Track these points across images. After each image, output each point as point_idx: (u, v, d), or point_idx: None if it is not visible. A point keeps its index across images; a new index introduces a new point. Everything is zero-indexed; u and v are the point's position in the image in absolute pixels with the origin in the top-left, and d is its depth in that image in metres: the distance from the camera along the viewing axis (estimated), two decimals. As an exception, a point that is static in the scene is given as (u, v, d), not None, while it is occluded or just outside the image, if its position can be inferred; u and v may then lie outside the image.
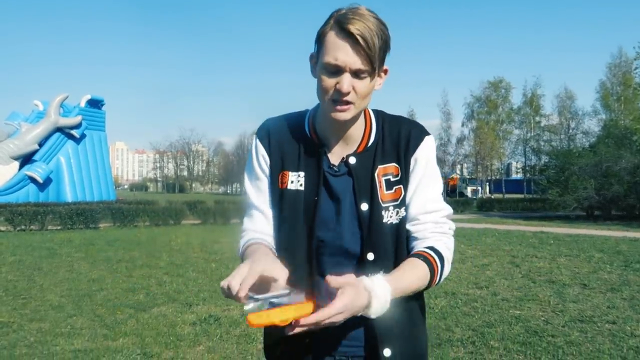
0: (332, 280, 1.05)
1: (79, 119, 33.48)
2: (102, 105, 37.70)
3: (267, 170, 1.37)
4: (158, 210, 19.67)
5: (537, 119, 53.89)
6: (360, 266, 1.27)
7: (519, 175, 79.04)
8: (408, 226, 1.33)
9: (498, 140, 54.47)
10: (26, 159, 31.08)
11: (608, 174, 22.81)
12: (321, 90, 1.23)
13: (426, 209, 1.32)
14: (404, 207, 1.31)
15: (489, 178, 62.39)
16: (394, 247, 1.31)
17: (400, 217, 1.31)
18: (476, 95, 56.29)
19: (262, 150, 1.37)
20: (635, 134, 26.37)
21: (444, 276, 1.30)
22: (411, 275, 1.23)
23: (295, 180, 1.33)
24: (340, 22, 1.18)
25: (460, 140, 58.24)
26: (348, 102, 1.21)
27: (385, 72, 1.31)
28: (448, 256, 1.31)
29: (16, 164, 30.46)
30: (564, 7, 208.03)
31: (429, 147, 1.34)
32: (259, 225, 1.37)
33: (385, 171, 1.32)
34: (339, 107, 1.22)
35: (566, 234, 15.70)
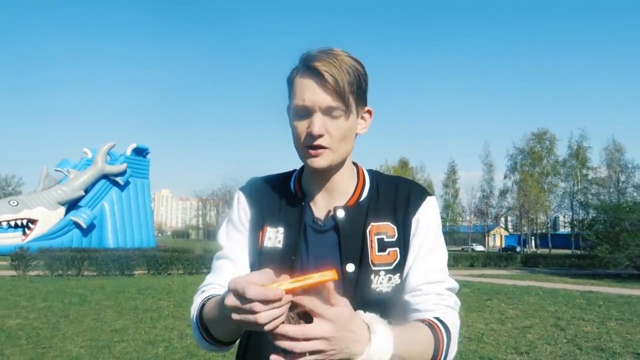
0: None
1: (124, 166, 34.63)
2: (147, 153, 38.97)
3: (246, 224, 1.22)
4: (192, 259, 19.67)
5: (584, 171, 52.43)
6: None
7: (566, 230, 76.25)
8: (407, 297, 1.12)
9: (543, 193, 53.08)
10: (72, 205, 32.11)
11: (662, 231, 21.59)
12: (295, 137, 1.12)
13: (428, 279, 1.11)
14: (398, 275, 1.12)
15: (534, 232, 60.37)
16: (384, 319, 1.04)
17: (393, 285, 1.11)
18: (519, 147, 55.48)
19: (243, 204, 1.24)
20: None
21: (449, 356, 1.03)
22: (415, 335, 0.99)
23: (274, 237, 1.18)
24: (305, 62, 1.10)
25: (503, 193, 57.06)
26: (322, 147, 1.08)
27: (370, 113, 1.19)
28: (454, 333, 1.06)
29: (62, 209, 31.49)
30: (612, 58, 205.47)
31: (432, 208, 1.18)
32: (228, 276, 1.11)
33: (379, 230, 1.14)
34: (312, 152, 1.09)
35: (617, 295, 14.69)
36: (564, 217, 71.16)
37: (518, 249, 55.96)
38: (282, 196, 1.23)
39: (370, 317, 0.92)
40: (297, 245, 1.15)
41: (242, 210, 1.24)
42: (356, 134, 1.17)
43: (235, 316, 0.84)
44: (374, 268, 1.11)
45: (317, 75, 1.06)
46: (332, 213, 1.17)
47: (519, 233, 62.14)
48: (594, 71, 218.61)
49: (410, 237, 1.15)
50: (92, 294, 11.96)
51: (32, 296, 11.18)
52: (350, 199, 1.18)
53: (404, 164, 65.70)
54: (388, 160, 62.91)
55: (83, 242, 31.24)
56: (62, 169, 34.41)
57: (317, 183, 1.19)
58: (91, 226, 32.41)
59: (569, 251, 47.85)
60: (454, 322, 1.08)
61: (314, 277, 0.84)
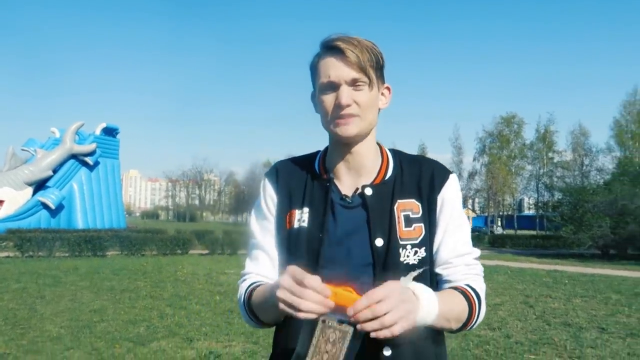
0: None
1: (93, 146, 33.90)
2: (117, 133, 38.21)
3: (273, 211, 1.29)
4: (166, 240, 19.56)
5: (550, 155, 53.71)
6: None
7: (531, 212, 78.30)
8: (438, 270, 1.24)
9: (510, 176, 54.19)
10: (40, 185, 31.36)
11: (624, 212, 22.43)
12: (323, 112, 1.20)
13: (457, 252, 1.23)
14: (423, 248, 1.20)
15: (500, 213, 61.81)
16: None
17: (419, 258, 1.19)
18: (488, 130, 56.38)
19: (270, 190, 1.31)
20: (650, 172, 26.02)
21: (480, 318, 1.20)
22: (453, 298, 1.14)
23: (301, 218, 1.24)
24: (325, 44, 1.19)
25: (471, 175, 58.10)
26: (351, 115, 1.16)
27: (389, 90, 1.28)
28: (483, 296, 1.22)
29: (30, 189, 30.75)
30: (579, 44, 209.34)
31: (455, 186, 1.27)
32: (263, 268, 1.28)
33: (405, 207, 1.22)
34: (341, 121, 1.17)
35: (581, 274, 15.30)
36: (529, 199, 73.04)
37: (499, 229, 57.04)
38: (307, 177, 1.29)
39: (413, 284, 1.03)
40: (324, 223, 1.20)
41: (268, 197, 1.30)
42: (379, 110, 1.25)
43: (281, 294, 0.96)
44: (401, 242, 1.18)
45: (339, 52, 1.15)
46: (359, 191, 1.23)
47: (486, 214, 63.44)
48: (563, 55, 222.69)
49: (437, 214, 1.23)
50: (66, 275, 11.84)
51: (3, 277, 11.01)
52: (377, 177, 1.25)
53: (375, 146, 66.10)
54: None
55: (51, 222, 30.61)
56: (28, 149, 33.48)
57: (343, 161, 1.25)
58: (60, 207, 31.74)
59: (534, 232, 49.21)
60: (482, 287, 1.23)
61: (352, 297, 0.95)
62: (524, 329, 6.99)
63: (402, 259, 1.17)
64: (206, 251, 20.54)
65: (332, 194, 1.24)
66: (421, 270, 1.12)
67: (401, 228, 1.20)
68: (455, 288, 1.18)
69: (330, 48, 1.17)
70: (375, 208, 1.21)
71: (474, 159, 57.96)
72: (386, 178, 1.25)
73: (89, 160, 33.76)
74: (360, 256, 1.18)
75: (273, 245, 1.28)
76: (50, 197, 30.56)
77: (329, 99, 1.17)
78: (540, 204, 53.99)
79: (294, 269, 0.97)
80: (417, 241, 1.20)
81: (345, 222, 1.21)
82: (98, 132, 35.93)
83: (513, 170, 55.11)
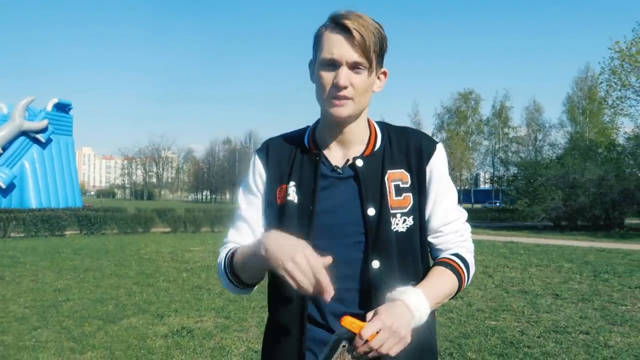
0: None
1: (44, 123, 32.65)
2: (70, 109, 36.88)
3: (261, 187, 1.34)
4: (127, 218, 19.25)
5: (506, 130, 55.11)
6: (365, 275, 1.22)
7: (487, 186, 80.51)
8: (430, 239, 1.31)
9: (467, 151, 55.41)
10: (-12, 164, 30.08)
11: (574, 185, 23.38)
12: (320, 88, 1.22)
13: (446, 220, 1.30)
14: (411, 217, 1.26)
15: (458, 188, 63.36)
16: (401, 257, 1.24)
17: (407, 226, 1.25)
18: (446, 106, 57.27)
19: (259, 166, 1.34)
20: (599, 147, 27.14)
21: (469, 280, 1.30)
22: (442, 282, 1.23)
23: (292, 192, 1.28)
24: (335, 19, 1.20)
25: (430, 151, 59.09)
26: (346, 97, 1.19)
27: (385, 74, 1.30)
28: (471, 260, 1.32)
29: (-22, 168, 29.44)
30: (535, 20, 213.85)
31: (442, 156, 1.32)
32: (245, 239, 1.31)
33: (394, 176, 1.27)
34: (336, 102, 1.19)
35: (535, 244, 15.98)
36: (484, 173, 74.95)
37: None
38: (296, 152, 1.32)
39: (398, 292, 1.14)
40: (314, 196, 1.24)
41: (257, 174, 1.34)
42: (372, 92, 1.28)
43: (295, 272, 1.03)
44: (392, 211, 1.23)
45: (346, 31, 1.17)
46: (350, 162, 1.27)
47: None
48: (519, 31, 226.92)
49: (427, 184, 1.29)
50: (24, 255, 11.52)
51: (-43, 259, 10.64)
52: (366, 149, 1.28)
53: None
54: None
55: (2, 202, 29.51)
56: (-26, 125, 31.99)
57: (333, 135, 1.28)
58: (11, 186, 30.58)
59: (490, 205, 50.70)
60: (469, 249, 1.33)
61: (358, 324, 1.06)
62: (484, 297, 7.31)
63: (392, 227, 1.23)
64: (168, 229, 20.31)
65: (322, 166, 1.28)
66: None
67: (392, 197, 1.25)
68: (443, 262, 1.27)
69: (339, 24, 1.18)
70: (367, 178, 1.25)
71: (432, 135, 58.87)
72: (375, 149, 1.29)
73: (40, 137, 32.52)
74: (353, 225, 1.23)
75: (257, 218, 1.33)
76: (0, 176, 29.41)
77: (327, 76, 1.19)
78: (495, 179, 55.62)
79: (310, 255, 1.05)
80: (405, 210, 1.25)
81: (337, 193, 1.26)
82: (49, 108, 34.56)
83: (470, 145, 56.35)
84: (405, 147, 1.29)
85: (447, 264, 1.26)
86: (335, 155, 1.29)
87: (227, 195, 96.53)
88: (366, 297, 1.22)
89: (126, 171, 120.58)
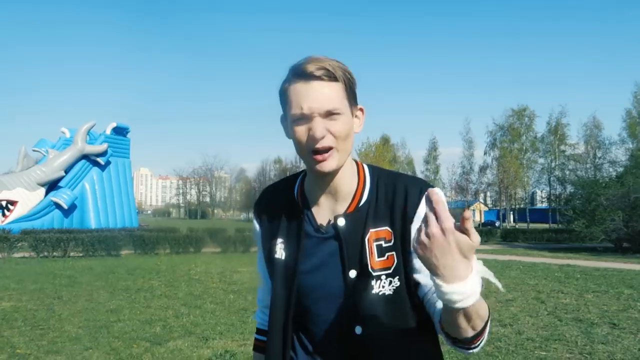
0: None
1: (104, 146, 34.21)
2: (127, 132, 38.51)
3: (260, 242, 1.36)
4: (179, 238, 19.74)
5: (562, 147, 53.32)
6: (347, 341, 1.18)
7: (544, 205, 77.79)
8: (431, 296, 1.14)
9: (522, 169, 53.92)
10: (52, 185, 31.73)
11: (636, 205, 22.25)
12: (297, 144, 1.15)
13: None
14: (397, 277, 1.17)
15: (513, 207, 61.51)
16: (388, 321, 1.17)
17: (394, 287, 1.17)
18: (499, 123, 56.09)
19: (255, 223, 1.37)
20: (663, 164, 25.74)
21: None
22: (482, 303, 1.02)
23: (280, 249, 1.27)
24: (295, 70, 1.14)
25: (483, 169, 57.84)
26: (329, 148, 1.12)
27: (362, 111, 1.23)
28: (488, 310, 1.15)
29: (42, 190, 31.10)
30: (591, 36, 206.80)
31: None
32: (263, 295, 1.43)
33: (378, 235, 1.19)
34: (319, 157, 1.12)
35: (594, 268, 15.24)
36: (541, 192, 72.58)
37: (497, 223, 57.04)
38: (285, 206, 1.30)
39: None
40: (297, 255, 1.22)
41: (255, 230, 1.37)
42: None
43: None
44: (374, 274, 1.16)
45: (310, 80, 1.11)
46: (332, 222, 1.22)
47: (498, 208, 63.16)
48: (575, 48, 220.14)
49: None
50: (81, 275, 12.02)
51: (20, 278, 11.20)
52: (351, 204, 1.22)
53: (385, 140, 65.85)
54: (370, 137, 62.74)
55: (64, 223, 30.98)
56: (40, 149, 33.87)
57: (320, 187, 1.23)
58: (72, 207, 32.11)
59: (546, 225, 48.91)
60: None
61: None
62: (535, 325, 7.03)
63: (375, 290, 1.16)
64: (219, 249, 20.71)
65: (306, 225, 1.24)
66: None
67: (374, 259, 1.18)
68: None
69: (301, 75, 1.12)
70: (348, 239, 1.20)
71: (485, 153, 57.73)
72: (360, 204, 1.22)
73: (100, 160, 34.11)
74: (335, 287, 1.19)
75: (266, 274, 1.36)
76: (62, 197, 30.92)
77: (302, 130, 1.12)
78: (552, 197, 53.69)
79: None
80: (390, 270, 1.17)
81: (320, 253, 1.22)
82: (109, 131, 36.25)
83: (524, 163, 54.82)
84: (391, 200, 1.21)
85: None
86: (322, 210, 1.25)
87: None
88: None
89: (181, 191, 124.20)
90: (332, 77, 1.11)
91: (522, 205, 64.01)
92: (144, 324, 6.93)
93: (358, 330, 1.16)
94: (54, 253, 16.75)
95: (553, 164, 53.28)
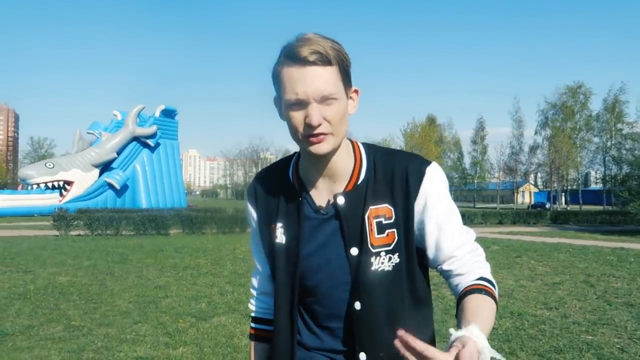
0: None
1: (154, 128, 35.17)
2: (176, 115, 39.42)
3: (256, 227, 1.35)
4: (225, 218, 20.16)
5: (619, 126, 50.95)
6: (349, 316, 1.21)
7: (598, 186, 74.90)
8: (445, 266, 1.22)
9: (575, 149, 51.94)
10: (105, 167, 32.97)
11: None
12: (292, 129, 1.13)
13: (457, 243, 1.21)
14: (397, 254, 1.19)
15: (564, 188, 59.51)
16: (386, 296, 1.19)
17: (393, 264, 1.19)
18: (551, 102, 54.07)
19: (250, 209, 1.35)
20: None
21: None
22: (489, 313, 1.12)
23: (280, 234, 1.27)
24: (288, 53, 1.10)
25: (533, 149, 56.12)
26: (323, 133, 1.11)
27: (356, 92, 1.20)
28: (492, 277, 1.22)
29: (96, 171, 32.39)
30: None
31: (435, 179, 1.21)
32: (259, 282, 1.41)
33: (377, 213, 1.20)
34: (314, 140, 1.11)
35: (649, 251, 14.63)
36: (595, 172, 69.75)
37: (547, 205, 55.44)
38: (281, 190, 1.29)
39: (469, 331, 0.96)
40: (298, 238, 1.23)
41: (250, 215, 1.36)
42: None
43: None
44: (374, 250, 1.18)
45: (305, 65, 1.07)
46: (332, 201, 1.22)
47: (548, 189, 61.22)
48: (631, 25, 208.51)
49: (422, 214, 1.20)
50: (132, 252, 12.51)
51: (76, 255, 11.77)
52: (349, 182, 1.22)
53: (431, 120, 64.79)
54: (415, 117, 61.90)
55: (117, 202, 32.22)
56: (94, 132, 35.19)
57: (316, 169, 1.22)
58: (124, 187, 33.32)
59: (600, 207, 47.18)
60: (488, 268, 1.24)
61: None
62: (582, 309, 6.84)
63: (375, 267, 1.18)
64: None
65: (306, 207, 1.24)
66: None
67: (373, 236, 1.19)
68: (475, 289, 1.16)
69: (294, 59, 1.08)
70: (348, 217, 1.20)
71: (535, 133, 55.92)
72: (359, 182, 1.22)
73: (150, 142, 35.10)
74: (337, 265, 1.20)
75: (262, 259, 1.36)
76: (115, 177, 32.11)
77: (297, 116, 1.10)
78: (607, 179, 51.56)
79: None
80: (390, 247, 1.19)
81: (322, 233, 1.22)
82: (157, 114, 37.22)
83: (578, 143, 52.78)
84: (390, 177, 1.21)
85: (481, 290, 1.16)
86: (320, 192, 1.25)
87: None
88: (349, 336, 1.21)
89: (228, 172, 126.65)
90: (326, 62, 1.08)
91: (574, 187, 61.78)
92: (190, 300, 7.16)
93: (357, 305, 1.19)
94: (107, 231, 17.47)
95: (609, 144, 51.00)
